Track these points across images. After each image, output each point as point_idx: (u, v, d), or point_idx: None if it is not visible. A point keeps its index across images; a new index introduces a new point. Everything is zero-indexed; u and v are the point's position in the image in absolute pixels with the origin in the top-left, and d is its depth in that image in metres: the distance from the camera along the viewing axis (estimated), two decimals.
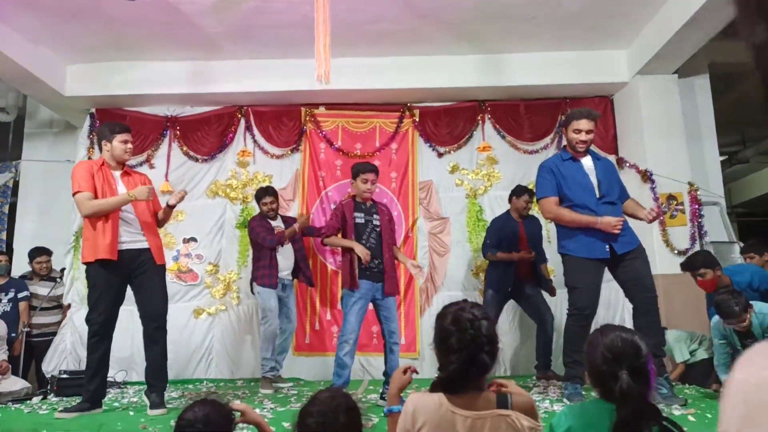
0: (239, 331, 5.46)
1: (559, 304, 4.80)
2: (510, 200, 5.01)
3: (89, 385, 3.53)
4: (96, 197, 3.47)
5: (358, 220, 3.83)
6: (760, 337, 3.32)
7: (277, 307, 4.75)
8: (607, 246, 3.53)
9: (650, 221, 3.62)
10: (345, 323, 3.73)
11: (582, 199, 3.60)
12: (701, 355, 4.39)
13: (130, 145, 3.66)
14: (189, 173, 5.80)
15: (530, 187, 4.90)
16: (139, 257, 3.57)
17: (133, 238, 3.57)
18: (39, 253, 5.39)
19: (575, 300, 3.56)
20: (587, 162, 3.74)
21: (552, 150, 5.64)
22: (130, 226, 3.57)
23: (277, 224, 4.96)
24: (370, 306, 3.88)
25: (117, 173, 3.65)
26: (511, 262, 4.73)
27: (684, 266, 4.06)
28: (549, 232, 4.97)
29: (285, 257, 4.84)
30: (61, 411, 3.49)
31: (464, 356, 1.50)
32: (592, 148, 5.25)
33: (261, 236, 4.72)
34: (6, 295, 5.18)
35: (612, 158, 5.54)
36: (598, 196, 3.62)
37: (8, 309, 5.14)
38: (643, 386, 1.43)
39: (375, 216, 3.89)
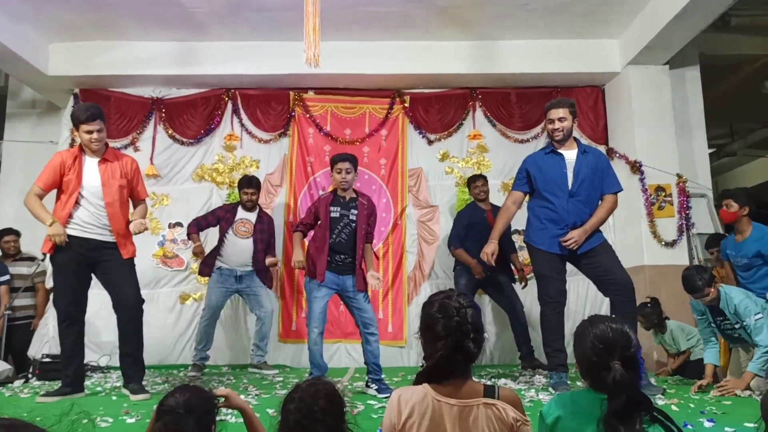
0: (224, 317, 5.40)
1: (529, 293, 4.76)
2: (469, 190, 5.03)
3: (66, 370, 3.50)
4: (62, 191, 3.49)
5: (332, 214, 3.81)
6: (730, 316, 3.56)
7: (218, 303, 4.78)
8: None
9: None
10: (309, 312, 3.76)
11: (553, 194, 3.66)
12: (698, 354, 4.40)
13: (96, 135, 3.44)
14: (174, 156, 5.72)
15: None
16: (102, 249, 3.51)
17: (99, 231, 3.49)
18: (6, 233, 5.35)
19: (546, 288, 3.66)
20: (570, 155, 3.68)
21: (542, 139, 5.62)
22: (97, 219, 3.49)
23: (248, 217, 4.88)
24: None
25: (94, 160, 3.53)
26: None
27: (720, 194, 4.38)
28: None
29: (238, 250, 4.78)
30: (42, 395, 3.44)
31: (449, 343, 1.49)
32: (583, 139, 5.30)
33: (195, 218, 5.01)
34: None
35: (602, 148, 5.55)
36: (569, 192, 3.63)
37: None
38: (634, 376, 1.42)
39: (352, 211, 3.84)
